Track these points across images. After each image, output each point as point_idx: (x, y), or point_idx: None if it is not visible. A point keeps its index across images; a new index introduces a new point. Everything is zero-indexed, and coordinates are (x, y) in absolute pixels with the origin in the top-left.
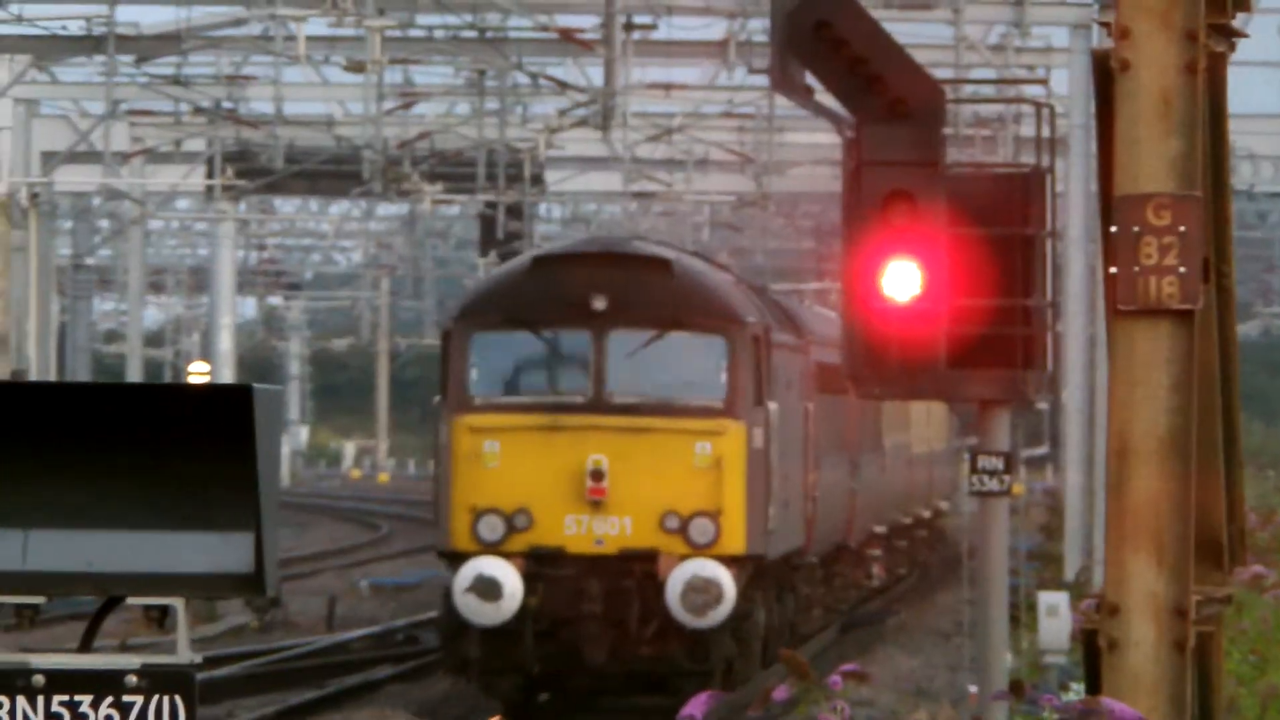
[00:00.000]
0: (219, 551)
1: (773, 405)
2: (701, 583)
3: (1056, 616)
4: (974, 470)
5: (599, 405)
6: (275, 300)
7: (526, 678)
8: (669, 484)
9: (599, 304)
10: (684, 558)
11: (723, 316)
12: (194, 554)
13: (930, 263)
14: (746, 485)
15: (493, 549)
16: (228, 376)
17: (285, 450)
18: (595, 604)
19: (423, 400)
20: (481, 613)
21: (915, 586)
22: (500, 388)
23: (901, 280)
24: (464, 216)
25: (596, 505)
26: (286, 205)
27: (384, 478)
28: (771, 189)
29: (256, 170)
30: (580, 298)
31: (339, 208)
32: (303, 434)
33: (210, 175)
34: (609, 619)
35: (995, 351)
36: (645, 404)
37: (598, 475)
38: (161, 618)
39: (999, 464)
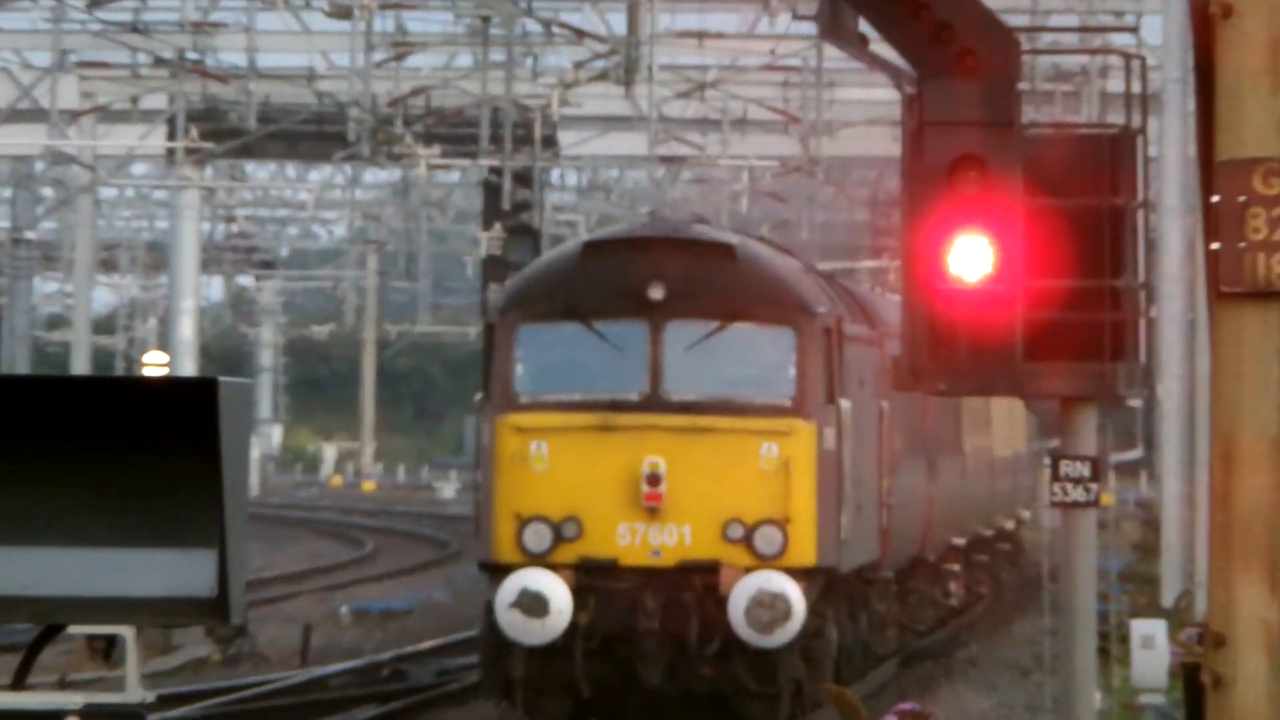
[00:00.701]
0: (176, 572)
1: (845, 403)
2: (768, 597)
3: (1153, 649)
4: (1055, 478)
5: (656, 403)
6: (245, 280)
7: (576, 701)
8: (732, 489)
9: (656, 293)
10: (749, 570)
11: (791, 306)
12: (147, 575)
13: (1004, 237)
14: (817, 491)
15: (539, 560)
16: (189, 368)
17: (255, 454)
18: (651, 620)
19: (415, 396)
20: (527, 630)
21: (988, 611)
22: (549, 384)
23: (971, 258)
24: (465, 184)
25: (653, 513)
26: (260, 171)
27: (370, 486)
28: (820, 153)
29: (225, 131)
30: (636, 286)
31: (320, 174)
32: (276, 435)
33: (172, 136)
34: (666, 637)
35: (1079, 340)
36: (706, 402)
37: (654, 480)
38: (108, 649)
39: (1084, 470)
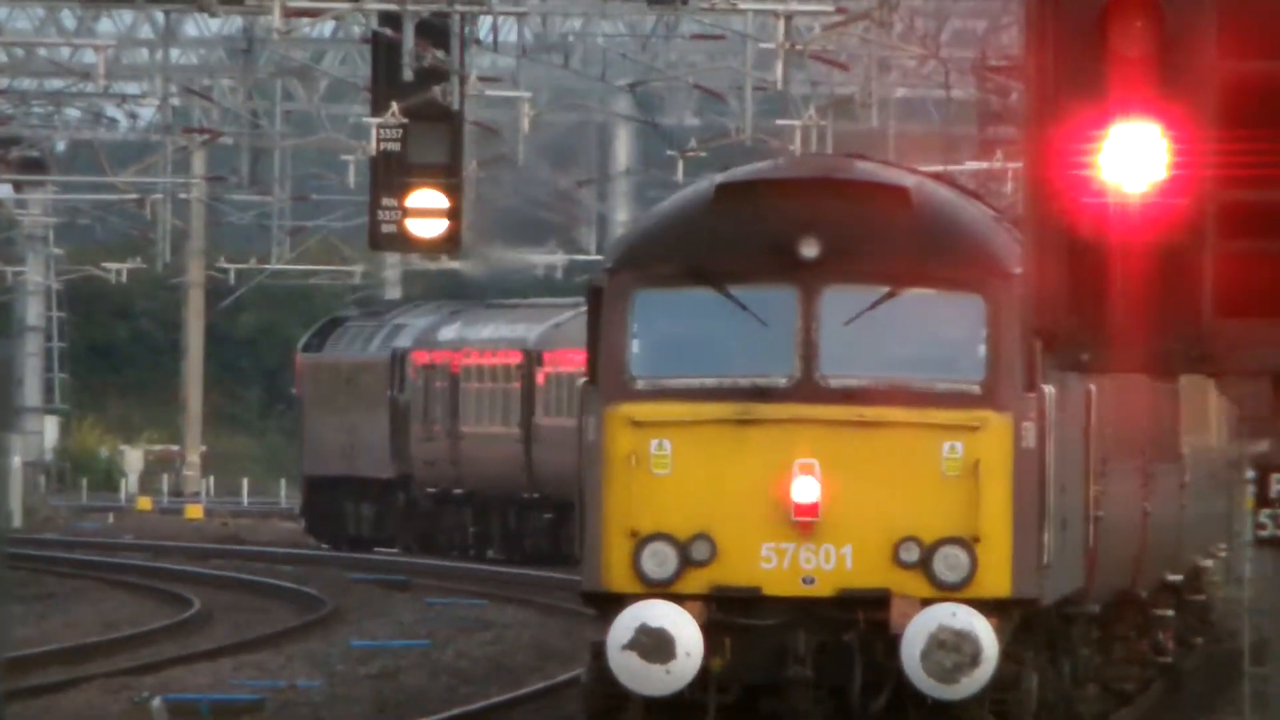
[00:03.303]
0: None
1: (1048, 389)
2: (952, 637)
3: None
4: (1262, 501)
5: (809, 390)
6: (0, 190)
7: None
8: (906, 500)
9: (809, 250)
10: (926, 602)
11: (981, 266)
12: None
13: (1186, 124)
14: (1014, 501)
15: (661, 590)
16: None
17: (15, 462)
18: (804, 666)
19: (266, 374)
20: (647, 678)
21: (1163, 699)
22: (673, 366)
23: (1133, 158)
24: (342, 41)
25: (805, 530)
26: (18, 19)
27: (195, 511)
28: None
29: None
30: (783, 241)
31: (115, 24)
32: (50, 432)
33: None
34: (823, 686)
35: None
36: (873, 389)
37: (807, 488)
38: None
39: None
